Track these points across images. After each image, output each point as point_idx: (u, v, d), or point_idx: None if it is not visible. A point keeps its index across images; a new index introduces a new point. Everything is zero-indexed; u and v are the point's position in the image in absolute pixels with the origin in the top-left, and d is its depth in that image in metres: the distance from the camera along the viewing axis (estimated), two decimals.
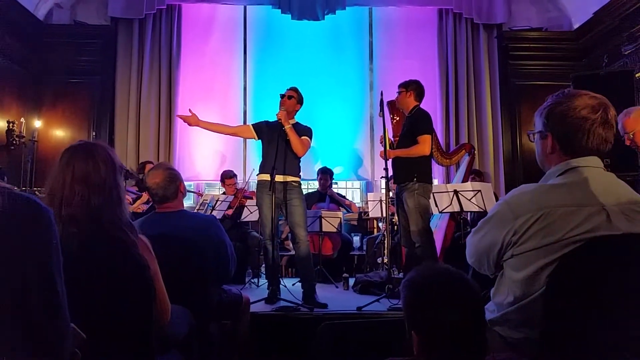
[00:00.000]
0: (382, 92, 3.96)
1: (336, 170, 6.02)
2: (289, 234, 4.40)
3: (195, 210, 4.50)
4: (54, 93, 6.12)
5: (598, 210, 1.28)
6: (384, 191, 4.21)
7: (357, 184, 6.87)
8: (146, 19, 6.29)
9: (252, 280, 4.73)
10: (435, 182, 5.33)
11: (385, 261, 4.51)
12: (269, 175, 3.68)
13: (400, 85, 3.93)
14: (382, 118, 3.85)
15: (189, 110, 3.90)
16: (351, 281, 4.48)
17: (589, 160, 1.36)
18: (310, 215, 4.63)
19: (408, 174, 3.71)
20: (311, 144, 3.93)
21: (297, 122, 3.89)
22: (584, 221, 1.26)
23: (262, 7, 6.53)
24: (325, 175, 5.62)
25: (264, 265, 4.70)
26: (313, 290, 3.70)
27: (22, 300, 0.84)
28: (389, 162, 3.73)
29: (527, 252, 1.30)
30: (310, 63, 6.45)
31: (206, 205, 4.60)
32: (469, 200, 4.16)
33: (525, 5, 6.64)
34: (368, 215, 5.50)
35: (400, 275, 4.44)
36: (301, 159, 3.88)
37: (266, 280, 4.12)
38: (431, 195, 3.94)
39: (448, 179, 6.12)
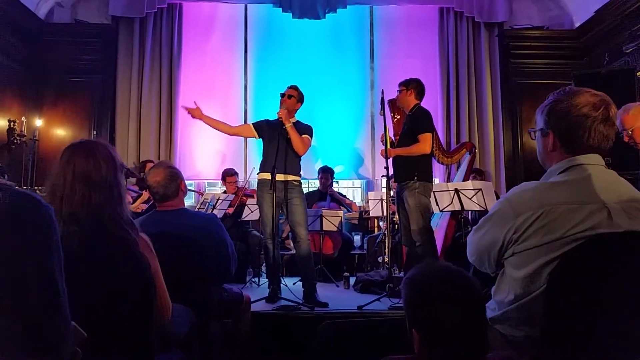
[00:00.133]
0: (382, 90, 3.96)
1: (337, 169, 6.02)
2: (290, 233, 4.40)
3: (196, 209, 4.50)
4: (55, 92, 6.12)
5: (599, 207, 1.27)
6: (384, 190, 4.21)
7: (357, 182, 6.87)
8: (147, 17, 6.29)
9: (253, 280, 4.73)
10: (436, 180, 5.33)
11: (386, 260, 4.51)
12: (269, 174, 3.68)
13: (400, 84, 3.92)
14: (382, 117, 3.84)
15: (194, 102, 3.90)
16: (352, 280, 4.48)
17: (590, 158, 1.36)
18: (311, 214, 4.62)
19: (409, 173, 3.71)
20: (312, 143, 3.94)
21: (297, 121, 3.89)
22: (585, 219, 1.26)
23: (263, 6, 6.52)
24: (326, 174, 5.62)
25: (264, 264, 4.70)
26: (314, 289, 3.70)
27: (22, 299, 0.84)
28: (390, 161, 3.73)
29: (528, 250, 1.29)
30: (311, 62, 6.45)
31: (207, 204, 4.60)
32: (470, 199, 4.16)
33: (526, 4, 6.63)
34: (369, 214, 5.49)
35: (401, 274, 4.44)
36: (302, 158, 3.88)
37: (267, 279, 4.12)
38: (432, 194, 3.94)
39: (449, 178, 6.11)
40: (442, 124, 6.32)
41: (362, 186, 6.82)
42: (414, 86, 3.87)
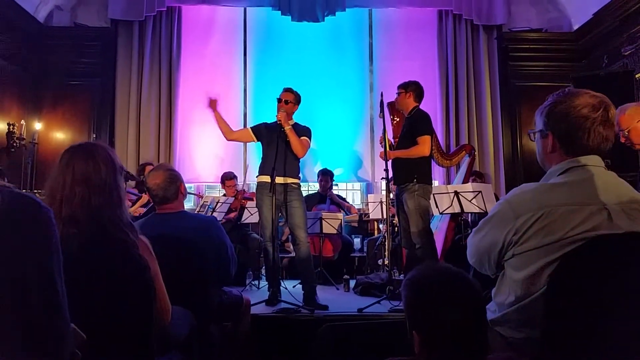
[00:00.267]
0: (382, 93, 3.97)
1: (336, 172, 6.01)
2: (290, 236, 4.39)
3: (196, 212, 4.50)
4: (54, 95, 6.12)
5: (599, 209, 1.27)
6: (384, 192, 4.21)
7: (357, 185, 6.86)
8: (146, 21, 6.30)
9: (253, 282, 4.72)
10: (436, 183, 5.32)
11: (385, 263, 4.51)
12: (269, 176, 3.68)
13: (399, 86, 3.93)
14: (382, 119, 3.85)
15: (217, 95, 3.95)
16: (352, 283, 4.47)
17: (589, 159, 1.36)
18: (311, 217, 4.62)
19: (408, 175, 3.71)
20: (311, 145, 3.93)
21: (295, 123, 3.89)
22: (585, 220, 1.26)
23: (262, 9, 6.53)
24: (326, 176, 5.62)
25: (264, 267, 4.69)
26: (314, 292, 3.69)
27: (22, 300, 0.84)
28: (389, 164, 3.73)
29: (528, 251, 1.29)
30: (310, 64, 6.45)
31: (206, 207, 4.59)
32: (470, 201, 4.16)
33: (525, 7, 6.64)
34: (368, 216, 5.49)
35: (401, 276, 4.43)
36: (301, 161, 3.88)
37: (267, 282, 4.11)
38: (431, 196, 3.94)
39: (448, 180, 6.11)
40: (441, 126, 6.33)
41: (362, 189, 6.82)
42: (413, 89, 3.88)
